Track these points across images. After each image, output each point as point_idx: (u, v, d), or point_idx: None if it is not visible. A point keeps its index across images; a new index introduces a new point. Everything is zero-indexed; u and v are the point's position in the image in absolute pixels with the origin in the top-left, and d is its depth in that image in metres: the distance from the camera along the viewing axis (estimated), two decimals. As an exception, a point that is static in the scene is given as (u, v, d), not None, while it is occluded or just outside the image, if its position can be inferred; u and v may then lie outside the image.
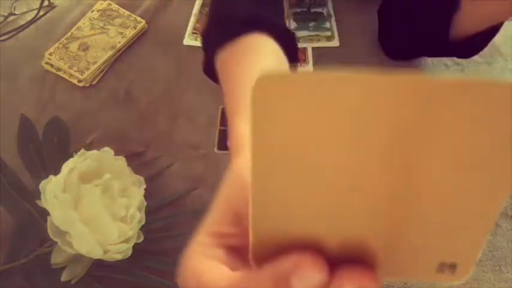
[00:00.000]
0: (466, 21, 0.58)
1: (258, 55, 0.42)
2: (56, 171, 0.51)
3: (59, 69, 0.73)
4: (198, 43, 0.75)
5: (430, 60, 0.74)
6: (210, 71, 0.46)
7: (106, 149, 0.55)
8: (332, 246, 0.19)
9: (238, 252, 0.25)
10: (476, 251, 0.18)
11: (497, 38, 0.64)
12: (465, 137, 0.16)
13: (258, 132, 0.16)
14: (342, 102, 0.15)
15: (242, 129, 0.33)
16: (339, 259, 0.18)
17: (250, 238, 0.20)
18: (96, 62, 0.73)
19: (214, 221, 0.27)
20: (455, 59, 0.74)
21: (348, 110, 0.15)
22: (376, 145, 0.16)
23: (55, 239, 0.49)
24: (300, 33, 0.75)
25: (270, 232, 0.19)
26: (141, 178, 0.55)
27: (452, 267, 0.19)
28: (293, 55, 0.47)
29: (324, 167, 0.17)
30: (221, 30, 0.45)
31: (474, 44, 0.62)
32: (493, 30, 0.59)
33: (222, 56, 0.43)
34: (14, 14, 0.81)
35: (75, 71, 0.72)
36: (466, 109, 0.15)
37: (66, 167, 0.51)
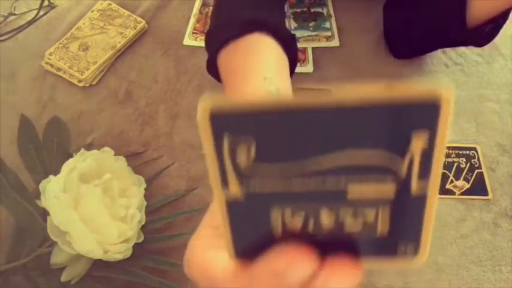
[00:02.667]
0: (476, 9, 0.58)
1: (260, 55, 0.42)
2: (56, 171, 0.51)
3: (59, 69, 0.73)
4: (198, 43, 0.75)
5: (429, 60, 0.74)
6: (213, 70, 0.47)
7: (106, 149, 0.55)
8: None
9: None
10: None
11: (497, 38, 0.64)
12: None
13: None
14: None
15: None
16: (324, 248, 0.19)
17: (227, 235, 0.20)
18: (96, 62, 0.73)
19: (214, 214, 0.27)
20: (455, 59, 0.74)
21: None
22: None
23: (55, 239, 0.49)
24: (300, 33, 0.75)
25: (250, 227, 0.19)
26: (141, 178, 0.55)
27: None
28: (293, 56, 0.47)
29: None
30: (224, 30, 0.45)
31: (485, 32, 0.62)
32: (503, 17, 0.59)
33: (225, 54, 0.44)
34: (14, 14, 0.81)
35: (75, 71, 0.72)
36: None
37: (66, 167, 0.51)
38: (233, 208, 0.19)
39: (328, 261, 0.19)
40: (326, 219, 0.19)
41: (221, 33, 0.45)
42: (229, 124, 0.16)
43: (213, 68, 0.47)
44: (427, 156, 0.16)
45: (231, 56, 0.44)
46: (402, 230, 0.19)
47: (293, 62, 0.47)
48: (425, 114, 0.15)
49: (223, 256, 0.23)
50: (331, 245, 0.19)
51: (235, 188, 0.18)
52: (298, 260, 0.18)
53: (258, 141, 0.17)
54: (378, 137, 0.16)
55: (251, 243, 0.20)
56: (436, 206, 0.18)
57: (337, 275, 0.18)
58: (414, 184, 0.17)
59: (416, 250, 0.19)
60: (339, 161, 0.17)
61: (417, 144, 0.16)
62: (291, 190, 0.18)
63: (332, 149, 0.17)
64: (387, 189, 0.17)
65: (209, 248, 0.24)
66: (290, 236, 0.19)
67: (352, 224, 0.19)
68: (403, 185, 0.17)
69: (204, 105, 0.16)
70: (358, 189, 0.18)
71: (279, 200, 0.18)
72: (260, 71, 0.40)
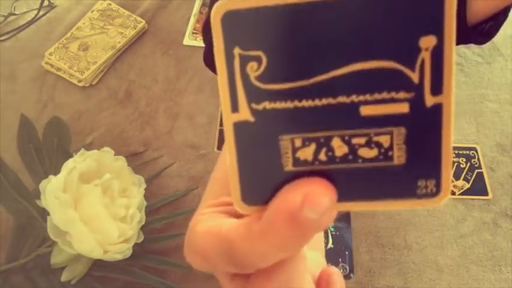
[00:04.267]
0: (476, 6, 0.58)
1: None
2: (56, 171, 0.51)
3: (59, 69, 0.73)
4: (198, 43, 0.75)
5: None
6: (210, 61, 0.47)
7: (106, 149, 0.54)
8: None
9: (241, 217, 0.24)
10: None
11: (497, 38, 0.64)
12: None
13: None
14: None
15: None
16: None
17: (234, 179, 0.18)
18: (96, 62, 0.73)
19: (213, 193, 0.25)
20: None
21: None
22: None
23: (55, 239, 0.49)
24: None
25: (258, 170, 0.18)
26: (141, 178, 0.55)
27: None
28: None
29: None
30: None
31: (485, 30, 0.62)
32: (504, 14, 0.59)
33: None
34: (14, 14, 0.81)
35: (75, 71, 0.72)
36: None
37: (66, 167, 0.51)
38: (242, 135, 0.17)
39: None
40: (338, 146, 0.17)
41: None
42: (240, 35, 0.16)
43: (210, 60, 0.47)
44: (437, 63, 0.16)
45: None
46: (420, 160, 0.17)
47: None
48: (430, 15, 0.15)
49: (229, 220, 0.21)
50: (344, 183, 0.18)
51: (245, 112, 0.17)
52: (314, 193, 0.17)
53: (268, 57, 0.16)
54: (386, 46, 0.16)
55: (259, 183, 0.18)
56: (453, 125, 0.17)
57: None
58: (427, 96, 0.16)
59: (437, 187, 0.18)
60: (350, 77, 0.16)
61: (426, 50, 0.16)
62: (301, 114, 0.17)
63: (342, 63, 0.16)
64: (401, 105, 0.17)
65: (211, 219, 0.22)
66: (300, 171, 0.18)
67: (365, 151, 0.17)
68: (417, 99, 0.16)
69: (216, 11, 0.16)
70: (370, 108, 0.17)
71: (289, 127, 0.17)
72: None
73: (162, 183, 0.63)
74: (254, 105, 0.17)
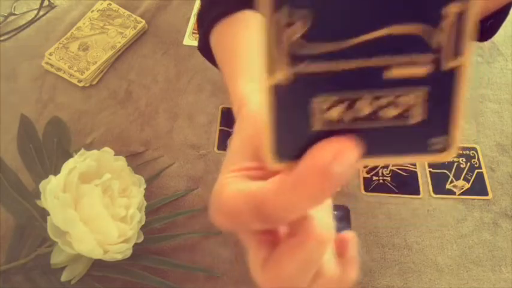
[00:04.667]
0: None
1: (253, 29, 0.42)
2: (56, 171, 0.51)
3: (59, 69, 0.74)
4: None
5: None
6: (206, 49, 0.47)
7: (106, 149, 0.54)
8: None
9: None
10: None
11: (497, 38, 0.64)
12: None
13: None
14: None
15: (244, 89, 0.34)
16: None
17: (269, 135, 0.20)
18: (96, 62, 0.73)
19: (235, 160, 0.26)
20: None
21: None
22: None
23: (55, 239, 0.49)
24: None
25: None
26: (141, 178, 0.55)
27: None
28: None
29: None
30: (216, 8, 0.46)
31: (486, 27, 0.62)
32: (505, 11, 0.59)
33: (218, 29, 0.44)
34: (14, 14, 0.81)
35: (75, 71, 0.72)
36: None
37: (66, 167, 0.51)
38: (277, 97, 0.19)
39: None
40: (363, 107, 0.19)
41: (213, 11, 0.46)
42: None
43: (205, 47, 0.47)
44: (460, 29, 0.17)
45: (224, 33, 0.44)
46: (434, 120, 0.19)
47: None
48: None
49: (258, 182, 0.22)
50: (367, 140, 0.19)
51: (283, 70, 0.18)
52: (343, 150, 0.19)
53: (313, 15, 0.17)
54: (416, 10, 0.17)
55: (291, 141, 0.20)
56: (466, 91, 0.18)
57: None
58: (448, 59, 0.18)
59: (446, 144, 0.19)
60: (380, 41, 0.17)
61: (451, 14, 0.17)
62: (336, 74, 0.18)
63: (378, 25, 0.17)
64: (422, 68, 0.18)
65: (239, 183, 0.24)
66: (329, 130, 0.19)
67: (387, 111, 0.19)
68: (437, 62, 0.18)
69: None
70: (394, 71, 0.18)
71: (323, 87, 0.18)
72: (255, 42, 0.40)
73: (162, 183, 0.63)
74: (291, 67, 0.18)
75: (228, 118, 0.68)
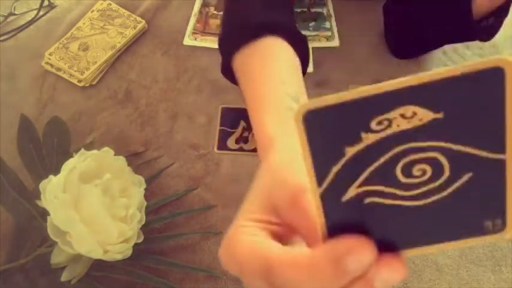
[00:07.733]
0: (478, 1, 0.58)
1: (275, 58, 0.43)
2: (56, 171, 0.51)
3: (59, 69, 0.74)
4: (198, 43, 0.75)
5: (429, 60, 0.74)
6: (228, 72, 0.47)
7: (106, 149, 0.54)
8: None
9: (279, 239, 0.25)
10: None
11: (497, 38, 0.64)
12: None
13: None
14: None
15: (270, 128, 0.35)
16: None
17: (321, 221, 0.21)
18: (96, 62, 0.73)
19: (253, 209, 0.27)
20: (455, 59, 0.74)
21: None
22: None
23: (55, 239, 0.49)
24: (300, 33, 0.75)
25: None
26: (141, 178, 0.55)
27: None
28: (305, 57, 0.49)
29: None
30: (237, 34, 0.47)
31: (488, 26, 0.62)
32: (506, 10, 0.59)
33: (240, 58, 0.45)
34: (14, 14, 0.81)
35: (75, 71, 0.72)
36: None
37: (66, 167, 0.51)
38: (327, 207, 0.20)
39: (382, 256, 0.20)
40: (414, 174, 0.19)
41: (235, 37, 0.46)
42: (322, 132, 0.18)
43: (227, 71, 0.48)
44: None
45: (246, 61, 0.44)
46: (486, 203, 0.19)
47: (305, 62, 0.48)
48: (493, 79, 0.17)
49: (275, 243, 0.23)
50: (415, 227, 0.20)
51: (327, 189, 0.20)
52: (358, 247, 0.20)
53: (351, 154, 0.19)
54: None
55: (341, 220, 0.21)
56: None
57: (387, 270, 0.20)
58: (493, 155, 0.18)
59: (503, 224, 0.20)
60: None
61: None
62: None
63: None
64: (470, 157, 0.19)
65: (256, 235, 0.24)
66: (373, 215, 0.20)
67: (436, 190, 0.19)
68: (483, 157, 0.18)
69: (298, 111, 0.18)
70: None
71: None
72: (277, 76, 0.41)
73: (162, 183, 0.63)
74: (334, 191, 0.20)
75: (228, 118, 0.68)
